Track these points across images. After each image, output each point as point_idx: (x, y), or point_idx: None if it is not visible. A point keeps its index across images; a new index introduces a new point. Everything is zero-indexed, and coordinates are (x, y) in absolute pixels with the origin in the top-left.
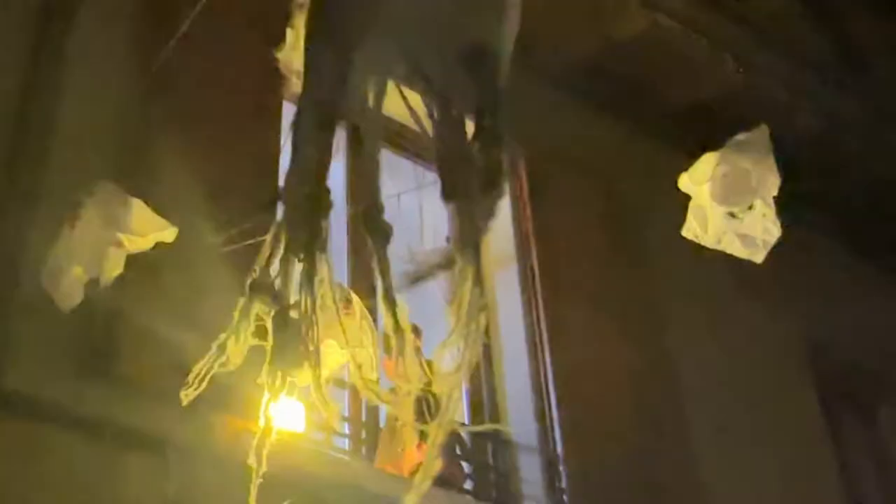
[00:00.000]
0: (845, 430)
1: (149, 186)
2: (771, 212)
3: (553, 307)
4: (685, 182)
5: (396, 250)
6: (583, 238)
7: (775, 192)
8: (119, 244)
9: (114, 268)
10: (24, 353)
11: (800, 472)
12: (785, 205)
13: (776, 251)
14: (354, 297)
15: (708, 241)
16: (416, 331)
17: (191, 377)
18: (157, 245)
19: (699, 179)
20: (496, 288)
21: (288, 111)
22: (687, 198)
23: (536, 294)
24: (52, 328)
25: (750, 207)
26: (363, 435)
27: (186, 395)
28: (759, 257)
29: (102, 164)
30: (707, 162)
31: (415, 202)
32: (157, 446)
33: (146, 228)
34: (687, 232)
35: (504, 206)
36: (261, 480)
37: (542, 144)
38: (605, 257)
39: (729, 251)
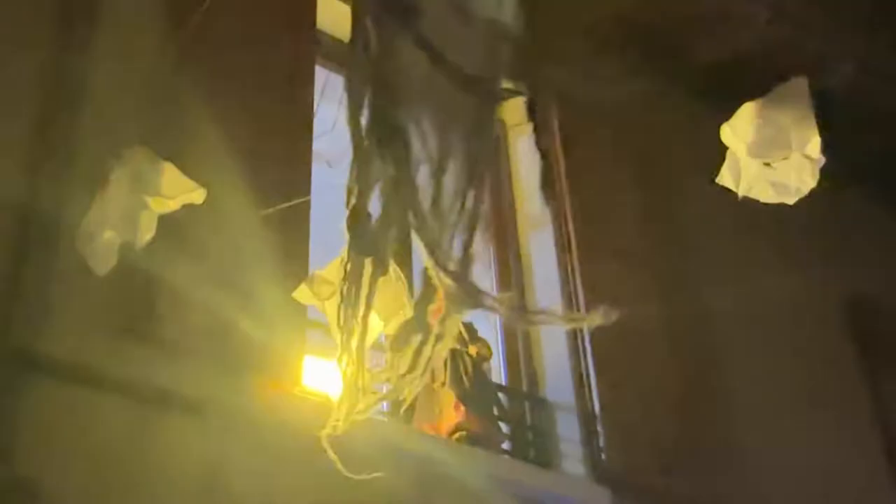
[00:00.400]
0: (884, 386)
1: (181, 149)
2: (809, 164)
3: (588, 266)
4: (727, 133)
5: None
6: (617, 196)
7: (816, 148)
8: (148, 206)
9: (146, 230)
10: (62, 318)
11: (838, 427)
12: (822, 158)
13: (813, 205)
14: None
15: (740, 189)
16: None
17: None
18: (194, 208)
19: (739, 133)
20: (531, 248)
21: (321, 73)
22: (721, 153)
23: (571, 253)
24: (89, 292)
25: (785, 158)
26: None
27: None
28: (790, 200)
29: (134, 128)
30: (747, 113)
31: None
32: (196, 408)
33: (176, 190)
34: (720, 179)
35: (537, 165)
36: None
37: (575, 100)
38: (639, 215)
39: (761, 199)
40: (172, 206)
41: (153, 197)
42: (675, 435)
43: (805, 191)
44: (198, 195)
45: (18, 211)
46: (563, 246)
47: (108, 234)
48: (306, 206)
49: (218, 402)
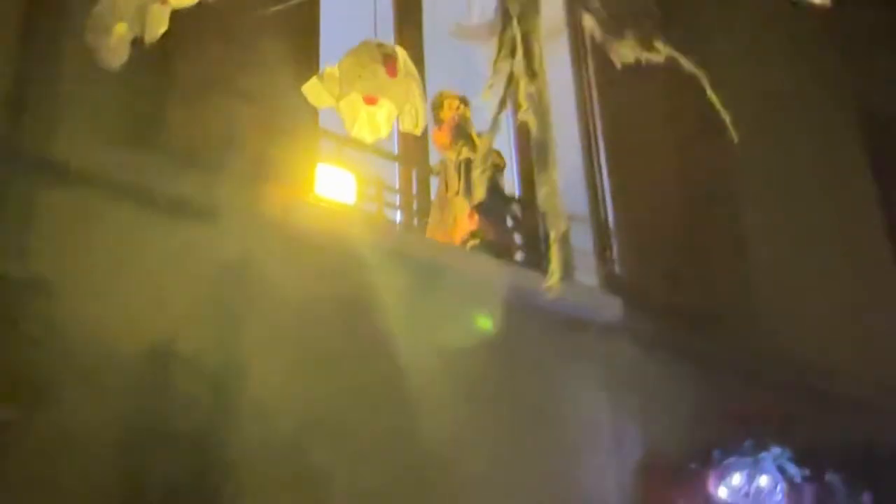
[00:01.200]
0: None
1: None
2: None
3: (603, 76)
4: None
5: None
6: (635, 5)
7: None
8: (162, 0)
9: (158, 25)
10: (73, 123)
11: (849, 238)
12: None
13: (830, 18)
14: (400, 52)
15: None
16: (464, 101)
17: None
18: (204, 13)
19: None
20: (546, 59)
21: None
22: None
23: (587, 64)
24: (100, 97)
25: None
26: (414, 206)
27: None
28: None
29: None
30: None
31: None
32: (210, 215)
33: None
34: None
35: None
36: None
37: None
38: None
39: None
40: (187, 1)
41: None
42: (685, 246)
43: None
44: None
45: (23, 14)
46: (578, 57)
47: (120, 27)
48: (315, 6)
49: (232, 210)
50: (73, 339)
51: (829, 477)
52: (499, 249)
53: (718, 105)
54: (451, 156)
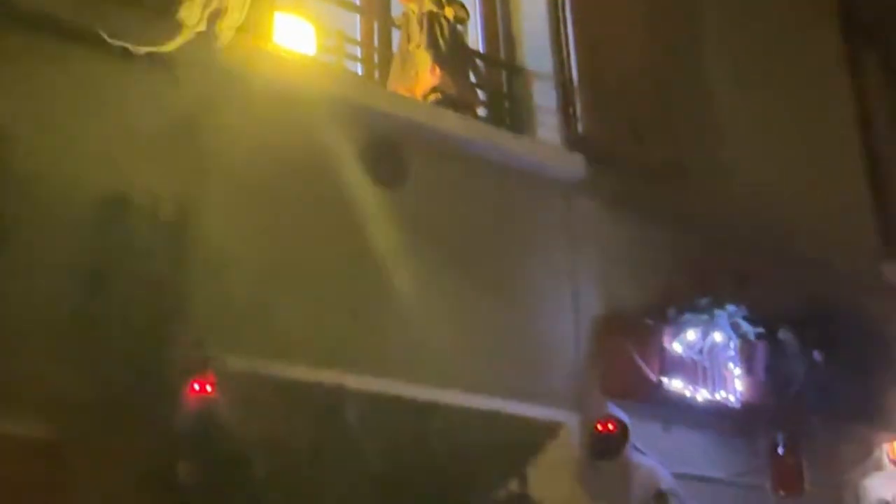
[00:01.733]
0: (865, 66)
1: None
2: None
3: None
4: None
5: None
6: None
7: None
8: None
9: None
10: None
11: (815, 97)
12: None
13: None
14: None
15: None
16: None
17: None
18: None
19: None
20: None
21: None
22: None
23: None
24: None
25: None
26: (375, 59)
27: None
28: None
29: None
30: None
31: None
32: (167, 62)
33: None
34: None
35: None
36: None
37: None
38: None
39: None
40: None
41: None
42: (649, 105)
43: None
44: None
45: None
46: None
47: None
48: None
49: (189, 58)
50: (30, 183)
51: (782, 334)
52: (461, 104)
53: None
54: (414, 8)
